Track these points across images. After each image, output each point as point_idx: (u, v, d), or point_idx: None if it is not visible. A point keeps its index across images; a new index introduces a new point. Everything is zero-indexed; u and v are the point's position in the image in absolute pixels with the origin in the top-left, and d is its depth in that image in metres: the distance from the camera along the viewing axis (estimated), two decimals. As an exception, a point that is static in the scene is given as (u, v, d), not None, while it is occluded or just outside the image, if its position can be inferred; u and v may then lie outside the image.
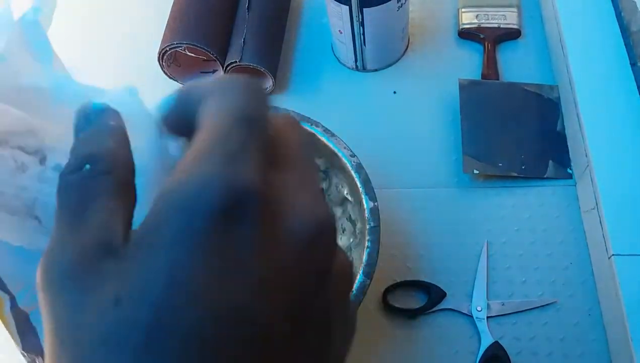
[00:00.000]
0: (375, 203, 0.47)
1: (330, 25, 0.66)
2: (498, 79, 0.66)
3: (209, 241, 0.16)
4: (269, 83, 0.68)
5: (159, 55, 0.65)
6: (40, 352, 0.24)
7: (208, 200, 0.16)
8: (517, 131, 0.61)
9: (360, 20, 0.61)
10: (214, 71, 0.70)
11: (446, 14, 0.73)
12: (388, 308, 0.54)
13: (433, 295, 0.54)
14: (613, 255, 0.50)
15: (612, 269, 0.49)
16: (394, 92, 0.68)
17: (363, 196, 0.47)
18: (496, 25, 0.69)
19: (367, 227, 0.46)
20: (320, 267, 0.18)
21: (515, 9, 0.70)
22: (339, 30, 0.65)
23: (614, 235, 0.51)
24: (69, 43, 0.79)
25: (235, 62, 0.64)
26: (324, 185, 0.56)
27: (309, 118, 0.51)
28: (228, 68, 0.65)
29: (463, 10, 0.71)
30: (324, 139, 0.50)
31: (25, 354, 0.24)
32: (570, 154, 0.60)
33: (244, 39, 0.65)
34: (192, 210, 0.16)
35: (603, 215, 0.52)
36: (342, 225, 0.54)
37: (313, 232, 0.18)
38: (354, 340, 0.24)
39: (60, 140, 0.22)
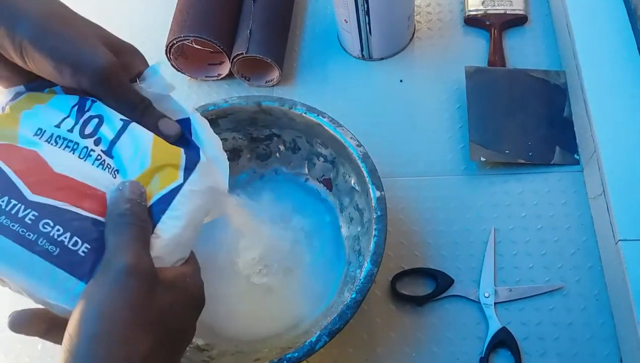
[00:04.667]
0: (382, 193, 0.47)
1: (336, 15, 0.66)
2: (504, 66, 0.66)
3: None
4: (275, 74, 0.68)
5: (166, 48, 0.66)
6: None
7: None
8: (524, 118, 0.61)
9: (366, 9, 0.61)
10: (221, 63, 0.71)
11: (452, 0, 0.73)
12: (396, 295, 0.55)
13: (441, 282, 0.54)
14: (620, 240, 0.50)
15: (619, 254, 0.50)
16: (400, 81, 0.68)
17: (370, 185, 0.48)
18: (502, 11, 0.69)
19: (374, 216, 0.47)
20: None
21: (521, -5, 0.70)
22: (345, 20, 0.65)
23: (621, 221, 0.51)
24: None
25: (242, 53, 0.64)
26: (332, 175, 0.56)
27: (315, 108, 0.52)
28: (235, 59, 0.65)
29: (469, -4, 0.71)
30: (330, 130, 0.51)
31: None
32: (577, 140, 0.60)
33: (250, 30, 0.65)
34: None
35: (610, 201, 0.52)
36: (349, 214, 0.55)
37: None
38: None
39: None
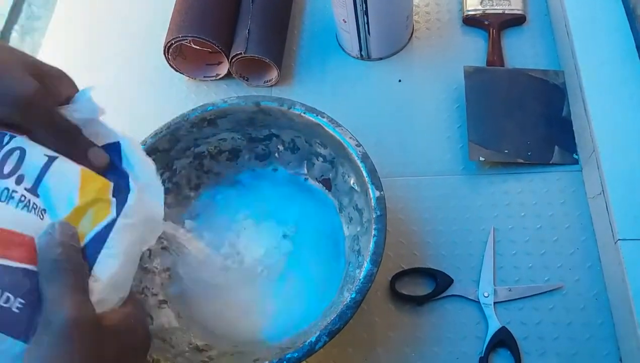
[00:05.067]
0: (382, 192, 0.47)
1: (334, 15, 0.66)
2: (503, 65, 0.66)
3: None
4: (274, 74, 0.68)
5: (165, 48, 0.66)
6: None
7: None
8: (523, 117, 0.61)
9: (364, 9, 0.61)
10: (220, 63, 0.71)
11: (450, 0, 0.73)
12: (396, 295, 0.55)
13: (440, 281, 0.54)
14: (619, 239, 0.50)
15: (619, 254, 0.50)
16: (399, 81, 0.68)
17: (369, 185, 0.48)
18: (501, 11, 0.69)
19: (374, 215, 0.46)
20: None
21: (520, -6, 0.70)
22: (343, 20, 0.65)
23: (620, 220, 0.51)
24: (74, 38, 0.80)
25: (240, 53, 0.64)
26: (331, 175, 0.56)
27: (314, 108, 0.52)
28: (233, 59, 0.65)
29: (467, -4, 0.71)
30: (329, 130, 0.51)
31: None
32: (576, 139, 0.60)
33: (248, 30, 0.65)
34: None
35: (609, 201, 0.52)
36: (349, 214, 0.55)
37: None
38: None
39: None
